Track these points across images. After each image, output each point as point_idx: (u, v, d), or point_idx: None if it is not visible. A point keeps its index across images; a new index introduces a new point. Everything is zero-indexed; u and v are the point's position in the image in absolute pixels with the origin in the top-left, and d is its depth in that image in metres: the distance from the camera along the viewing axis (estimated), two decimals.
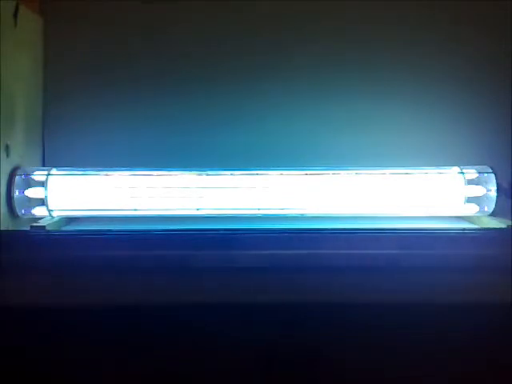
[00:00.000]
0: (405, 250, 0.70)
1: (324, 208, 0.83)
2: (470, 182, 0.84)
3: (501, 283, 0.68)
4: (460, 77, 0.96)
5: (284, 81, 0.96)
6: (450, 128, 0.96)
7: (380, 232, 0.73)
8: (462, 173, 0.84)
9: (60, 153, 0.94)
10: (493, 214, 0.84)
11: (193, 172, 0.83)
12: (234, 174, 0.83)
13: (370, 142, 0.95)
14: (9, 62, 0.79)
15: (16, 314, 0.69)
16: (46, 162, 0.95)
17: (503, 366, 0.71)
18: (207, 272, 0.69)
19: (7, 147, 0.81)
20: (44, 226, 0.77)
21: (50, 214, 0.82)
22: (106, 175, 0.83)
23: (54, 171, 0.82)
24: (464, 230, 0.77)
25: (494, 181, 0.83)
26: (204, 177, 0.83)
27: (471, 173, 0.84)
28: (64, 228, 0.84)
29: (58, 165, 0.85)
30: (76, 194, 0.82)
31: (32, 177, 0.82)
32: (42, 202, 0.81)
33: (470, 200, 0.84)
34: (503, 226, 0.79)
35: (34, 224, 0.78)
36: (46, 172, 0.82)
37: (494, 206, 0.83)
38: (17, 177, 0.81)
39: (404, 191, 0.83)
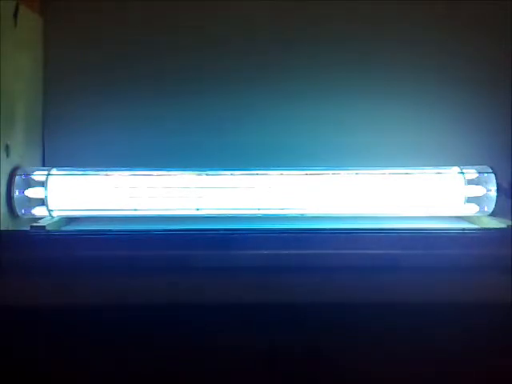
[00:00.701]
0: (405, 250, 0.70)
1: (324, 208, 0.83)
2: (469, 181, 0.84)
3: (501, 283, 0.68)
4: (460, 77, 0.96)
5: (284, 81, 0.96)
6: (450, 128, 0.96)
7: (380, 232, 0.73)
8: (462, 173, 0.84)
9: (60, 153, 0.94)
10: (493, 214, 0.84)
11: (193, 172, 0.83)
12: (234, 174, 0.83)
13: (370, 142, 0.95)
14: (9, 62, 0.80)
15: (16, 314, 0.69)
16: (46, 162, 0.95)
17: (503, 366, 0.71)
18: (207, 272, 0.69)
19: (7, 147, 0.81)
20: (44, 226, 0.77)
21: (50, 214, 0.82)
22: (106, 175, 0.83)
23: (54, 171, 0.82)
24: (464, 230, 0.77)
25: (494, 181, 0.83)
26: (204, 177, 0.83)
27: (471, 173, 0.84)
28: (64, 228, 0.84)
29: (58, 165, 0.85)
30: (76, 194, 0.82)
31: (32, 177, 0.82)
32: (42, 202, 0.81)
33: (469, 200, 0.84)
34: (503, 225, 0.79)
35: (34, 224, 0.78)
36: (46, 172, 0.82)
37: (493, 205, 0.83)
38: (17, 177, 0.81)
39: (404, 191, 0.83)
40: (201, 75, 0.96)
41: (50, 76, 0.95)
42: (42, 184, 0.81)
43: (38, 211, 0.82)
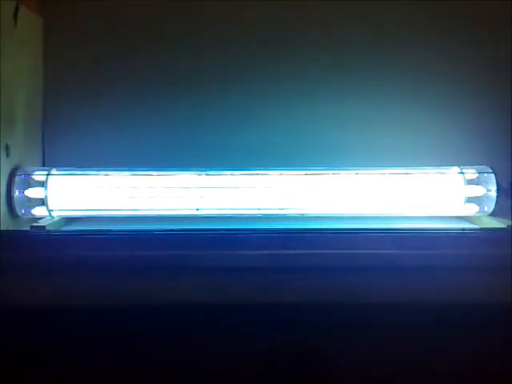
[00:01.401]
0: (405, 250, 0.70)
1: (324, 208, 0.83)
2: (469, 182, 0.84)
3: (501, 283, 0.68)
4: (460, 77, 0.96)
5: (284, 81, 0.96)
6: (450, 128, 0.95)
7: (380, 232, 0.73)
8: (462, 173, 0.84)
9: (60, 153, 0.94)
10: (493, 214, 0.84)
11: (193, 172, 0.83)
12: (234, 174, 0.83)
13: (370, 141, 0.95)
14: (9, 62, 0.79)
15: (16, 314, 0.69)
16: (46, 162, 0.95)
17: (503, 366, 0.71)
18: (207, 272, 0.69)
19: (7, 147, 0.81)
20: (44, 226, 0.77)
21: (50, 214, 0.82)
22: (106, 175, 0.83)
23: (54, 171, 0.82)
24: (464, 230, 0.77)
25: (494, 181, 0.83)
26: (204, 177, 0.83)
27: (471, 173, 0.84)
28: (64, 228, 0.84)
29: (58, 165, 0.85)
30: (76, 194, 0.82)
31: (32, 177, 0.82)
32: (42, 201, 0.81)
33: (469, 200, 0.84)
34: (503, 225, 0.79)
35: (34, 224, 0.78)
36: (45, 172, 0.82)
37: (493, 205, 0.83)
38: (17, 177, 0.81)
39: (404, 191, 0.83)
40: (201, 75, 0.96)
41: (49, 76, 0.95)
42: (42, 184, 0.81)
43: (38, 211, 0.82)
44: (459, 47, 0.96)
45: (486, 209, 0.84)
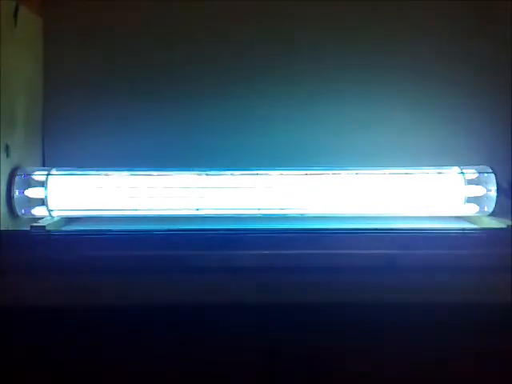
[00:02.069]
0: (405, 250, 0.70)
1: (324, 208, 0.83)
2: (469, 182, 0.84)
3: (501, 283, 0.68)
4: (460, 77, 0.95)
5: (284, 81, 0.96)
6: (450, 128, 0.96)
7: (380, 232, 0.73)
8: (462, 173, 0.84)
9: (60, 153, 0.94)
10: (493, 214, 0.84)
11: (193, 172, 0.83)
12: (234, 174, 0.83)
13: (370, 142, 0.95)
14: (9, 62, 0.79)
15: (16, 314, 0.69)
16: (45, 162, 0.95)
17: (503, 366, 0.71)
18: (207, 272, 0.69)
19: (7, 147, 0.81)
20: (44, 226, 0.77)
21: (50, 214, 0.82)
22: (106, 175, 0.83)
23: (54, 171, 0.82)
24: (464, 229, 0.77)
25: (494, 181, 0.83)
26: (204, 177, 0.83)
27: (471, 173, 0.84)
28: (64, 228, 0.84)
29: (58, 165, 0.85)
30: (76, 194, 0.82)
31: (32, 177, 0.82)
32: (42, 201, 0.81)
33: (469, 200, 0.84)
34: (503, 225, 0.78)
35: (34, 224, 0.78)
36: (45, 172, 0.82)
37: (493, 205, 0.83)
38: (17, 177, 0.81)
39: (404, 191, 0.83)
40: (201, 75, 0.96)
41: (49, 76, 0.95)
42: (42, 184, 0.81)
43: (38, 211, 0.82)
44: (459, 47, 0.96)
45: (486, 209, 0.84)
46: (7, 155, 0.81)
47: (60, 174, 0.82)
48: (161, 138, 0.96)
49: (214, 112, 0.96)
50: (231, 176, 0.83)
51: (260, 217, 0.83)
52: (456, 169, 0.85)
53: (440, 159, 0.89)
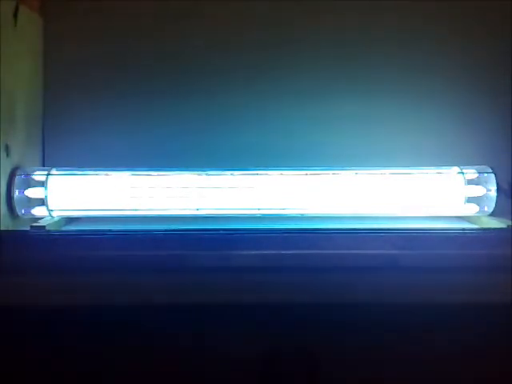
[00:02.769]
0: (405, 250, 0.70)
1: (324, 208, 0.83)
2: (469, 181, 0.84)
3: (501, 283, 0.68)
4: (460, 77, 0.96)
5: (284, 81, 0.96)
6: (450, 128, 0.96)
7: (380, 232, 0.73)
8: (462, 173, 0.84)
9: (60, 153, 0.94)
10: (493, 214, 0.84)
11: (193, 172, 0.83)
12: (233, 174, 0.83)
13: (369, 141, 0.95)
14: (9, 62, 0.79)
15: (16, 313, 0.69)
16: (45, 162, 0.95)
17: (503, 366, 0.71)
18: (207, 272, 0.69)
19: (7, 147, 0.81)
20: (44, 226, 0.77)
21: (50, 214, 0.82)
22: (106, 175, 0.83)
23: (54, 171, 0.82)
24: (464, 229, 0.77)
25: (494, 181, 0.83)
26: (204, 177, 0.83)
27: (471, 173, 0.84)
28: (64, 228, 0.84)
29: (58, 165, 0.85)
30: (76, 194, 0.82)
31: (32, 177, 0.82)
32: (42, 201, 0.81)
33: (469, 200, 0.84)
34: (503, 226, 0.79)
35: (34, 224, 0.78)
36: (45, 172, 0.82)
37: (493, 205, 0.83)
38: (17, 177, 0.81)
39: (404, 191, 0.83)
40: (201, 75, 0.96)
41: (49, 76, 0.95)
42: (42, 184, 0.81)
43: (38, 211, 0.82)
44: (459, 47, 0.96)
45: (486, 209, 0.84)
46: (7, 155, 0.81)
47: (60, 174, 0.82)
48: (161, 138, 0.95)
49: (214, 112, 0.96)
50: (231, 176, 0.83)
51: (260, 217, 0.83)
52: (456, 169, 0.85)
53: (440, 159, 0.89)
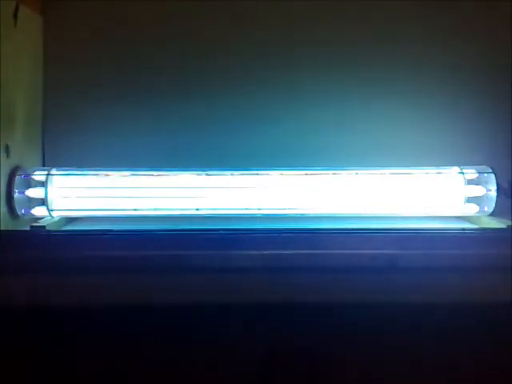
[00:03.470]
0: (404, 250, 0.70)
1: (324, 208, 0.83)
2: (469, 181, 0.84)
3: (501, 283, 0.68)
4: (460, 77, 0.96)
5: (285, 81, 0.96)
6: (450, 128, 0.96)
7: (380, 232, 0.73)
8: (462, 173, 0.84)
9: (60, 153, 0.94)
10: (493, 214, 0.84)
11: (193, 172, 0.83)
12: (233, 174, 0.83)
13: (370, 142, 0.95)
14: (9, 62, 0.79)
15: (16, 313, 0.69)
16: (46, 162, 0.95)
17: (503, 366, 0.71)
18: (207, 272, 0.69)
19: (7, 147, 0.81)
20: (44, 226, 0.77)
21: (50, 214, 0.82)
22: (106, 175, 0.83)
23: (53, 171, 0.82)
24: (464, 229, 0.77)
25: (494, 181, 0.83)
26: (204, 177, 0.83)
27: (471, 173, 0.84)
28: (64, 228, 0.84)
29: (58, 165, 0.85)
30: (76, 194, 0.82)
31: (32, 177, 0.82)
32: (42, 201, 0.81)
33: (469, 200, 0.84)
34: (503, 226, 0.78)
35: (34, 224, 0.78)
36: (45, 172, 0.82)
37: (493, 205, 0.83)
38: (17, 177, 0.81)
39: (404, 191, 0.83)
40: (201, 76, 0.96)
41: (49, 76, 0.95)
42: (42, 184, 0.81)
43: (38, 211, 0.82)
44: (459, 47, 0.95)
45: (486, 209, 0.84)
46: (7, 155, 0.81)
47: (60, 174, 0.82)
48: (161, 138, 0.95)
49: (214, 112, 0.96)
50: (231, 176, 0.83)
51: (260, 217, 0.83)
52: (456, 169, 0.85)
53: (440, 159, 0.89)
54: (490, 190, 0.83)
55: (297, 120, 0.96)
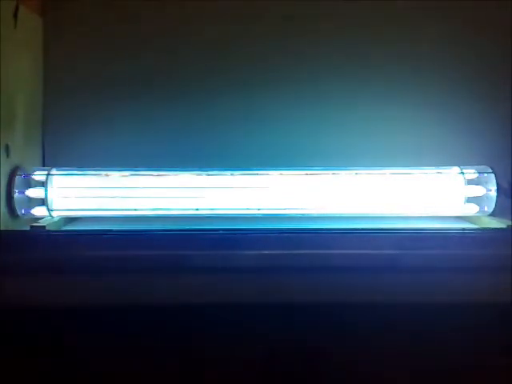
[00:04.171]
0: (405, 250, 0.70)
1: (324, 208, 0.83)
2: (469, 182, 0.84)
3: (501, 283, 0.68)
4: (460, 77, 0.96)
5: (285, 82, 0.96)
6: (450, 128, 0.96)
7: (380, 232, 0.73)
8: (462, 173, 0.84)
9: (60, 153, 0.94)
10: (493, 214, 0.84)
11: (193, 172, 0.83)
12: (233, 174, 0.83)
13: (370, 142, 0.95)
14: (9, 62, 0.79)
15: (16, 313, 0.69)
16: (46, 162, 0.95)
17: (503, 366, 0.71)
18: (207, 272, 0.69)
19: (7, 147, 0.81)
20: (44, 226, 0.77)
21: (49, 214, 0.82)
22: (106, 175, 0.83)
23: (54, 171, 0.82)
24: (464, 230, 0.77)
25: (494, 181, 0.83)
26: (204, 177, 0.83)
27: (471, 173, 0.84)
28: (64, 228, 0.84)
29: (58, 165, 0.85)
30: (76, 194, 0.82)
31: (32, 177, 0.82)
32: (42, 201, 0.81)
33: (469, 200, 0.84)
34: (503, 226, 0.79)
35: (34, 224, 0.78)
36: (45, 172, 0.82)
37: (493, 205, 0.83)
38: (17, 177, 0.81)
39: (404, 191, 0.83)
40: (201, 76, 0.96)
41: (49, 76, 0.95)
42: (42, 184, 0.81)
43: (38, 211, 0.82)
44: (459, 47, 0.96)
45: (486, 209, 0.84)
46: (7, 155, 0.81)
47: (60, 174, 0.82)
48: (161, 138, 0.96)
49: (214, 112, 0.96)
50: (231, 176, 0.83)
51: (260, 217, 0.83)
52: (456, 169, 0.85)
53: (440, 159, 0.89)
54: (490, 190, 0.83)
55: (297, 120, 0.96)
